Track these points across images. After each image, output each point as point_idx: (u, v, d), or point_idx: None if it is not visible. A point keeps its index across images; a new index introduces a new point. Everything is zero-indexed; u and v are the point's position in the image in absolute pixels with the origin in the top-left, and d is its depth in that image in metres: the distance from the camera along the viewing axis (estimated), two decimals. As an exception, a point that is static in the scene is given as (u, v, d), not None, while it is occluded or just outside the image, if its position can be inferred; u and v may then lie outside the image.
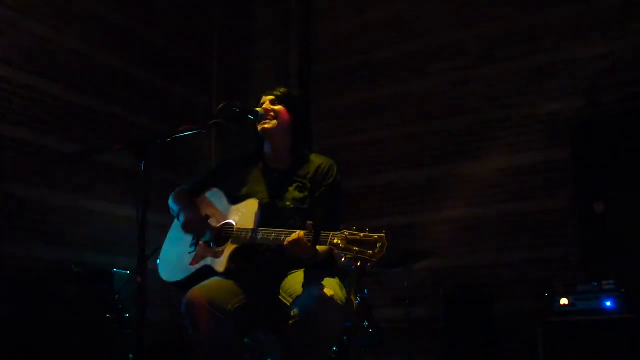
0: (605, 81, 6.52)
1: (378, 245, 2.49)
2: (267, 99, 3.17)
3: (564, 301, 5.30)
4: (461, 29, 7.34)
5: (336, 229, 2.63)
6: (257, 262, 2.96)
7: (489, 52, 7.15)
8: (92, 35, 6.48)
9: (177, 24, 7.59)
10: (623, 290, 5.16)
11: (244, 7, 8.43)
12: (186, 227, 3.06)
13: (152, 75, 7.10)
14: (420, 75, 7.50)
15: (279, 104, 3.15)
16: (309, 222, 2.65)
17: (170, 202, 3.23)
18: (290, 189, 3.06)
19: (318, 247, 2.69)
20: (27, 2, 5.90)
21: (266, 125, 3.11)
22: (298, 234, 2.68)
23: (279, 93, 3.20)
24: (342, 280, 2.93)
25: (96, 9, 6.56)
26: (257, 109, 3.11)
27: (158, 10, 7.34)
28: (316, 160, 3.19)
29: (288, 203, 3.02)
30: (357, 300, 5.30)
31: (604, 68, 6.55)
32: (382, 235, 2.51)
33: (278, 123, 3.12)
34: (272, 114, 3.12)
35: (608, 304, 5.15)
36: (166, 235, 3.28)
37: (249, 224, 2.89)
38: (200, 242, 3.05)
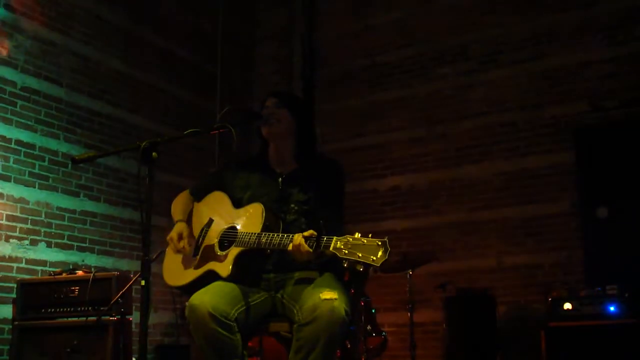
0: (609, 86, 6.51)
1: (381, 250, 2.49)
2: (271, 102, 3.17)
3: (567, 306, 5.29)
4: (465, 33, 7.34)
5: (339, 232, 2.63)
6: (261, 266, 2.95)
7: (492, 57, 7.15)
8: (97, 38, 6.48)
9: (181, 27, 7.59)
10: (627, 295, 5.14)
11: (248, 10, 8.45)
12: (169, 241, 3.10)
13: (156, 79, 7.11)
14: (423, 79, 7.50)
15: (283, 107, 3.14)
16: (310, 231, 2.66)
17: (172, 208, 3.24)
18: (294, 192, 3.06)
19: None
20: (32, 6, 5.90)
21: (270, 128, 3.11)
22: (299, 240, 2.67)
23: (282, 96, 3.20)
24: (346, 283, 2.94)
25: (101, 12, 6.56)
26: (263, 112, 3.11)
27: (162, 14, 7.35)
28: (321, 162, 3.19)
29: (292, 206, 3.02)
30: (361, 304, 5.30)
31: (608, 73, 6.54)
32: (385, 240, 2.51)
33: (282, 126, 3.12)
34: (275, 116, 3.11)
35: (612, 308, 5.14)
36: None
37: (253, 228, 2.89)
38: (204, 246, 3.05)
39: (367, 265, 2.51)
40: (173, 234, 3.10)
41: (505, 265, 6.68)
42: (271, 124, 3.11)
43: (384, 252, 2.49)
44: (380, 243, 2.51)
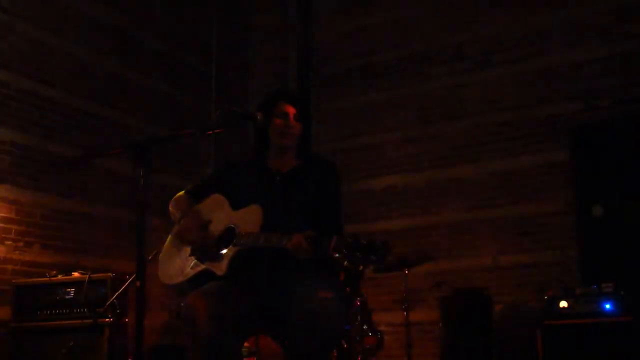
0: (603, 85, 6.53)
1: (381, 251, 2.49)
2: (291, 112, 3.13)
3: (563, 304, 5.29)
4: (460, 33, 7.36)
5: (339, 231, 2.63)
6: (258, 266, 2.95)
7: (487, 56, 7.17)
8: (91, 39, 6.47)
9: (176, 28, 7.59)
10: (622, 292, 5.15)
11: (243, 11, 8.44)
12: (182, 236, 3.04)
13: (150, 80, 7.10)
14: (418, 78, 7.51)
15: (300, 120, 3.14)
16: (309, 231, 2.65)
17: (171, 207, 3.21)
18: (292, 192, 3.06)
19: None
20: (25, 7, 5.89)
21: (289, 142, 3.11)
22: (298, 238, 2.68)
23: (300, 108, 3.17)
24: (342, 283, 2.94)
25: (94, 13, 6.55)
26: (282, 124, 3.08)
27: (157, 15, 7.34)
28: (317, 162, 3.20)
29: (290, 206, 3.02)
30: (357, 303, 5.30)
31: (602, 71, 6.56)
32: (386, 241, 2.51)
33: (296, 138, 3.13)
34: (294, 131, 3.11)
35: (607, 306, 5.14)
36: (165, 239, 3.27)
37: (252, 228, 2.88)
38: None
39: (366, 266, 2.51)
40: (187, 225, 3.04)
41: (501, 264, 6.69)
42: (292, 140, 3.11)
43: (384, 253, 2.49)
44: (380, 244, 2.51)
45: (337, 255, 2.55)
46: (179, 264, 3.07)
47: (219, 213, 3.10)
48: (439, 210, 7.12)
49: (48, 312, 4.79)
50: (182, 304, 2.83)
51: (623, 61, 6.49)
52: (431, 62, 7.47)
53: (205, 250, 2.98)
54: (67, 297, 4.79)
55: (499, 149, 6.95)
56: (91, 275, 4.82)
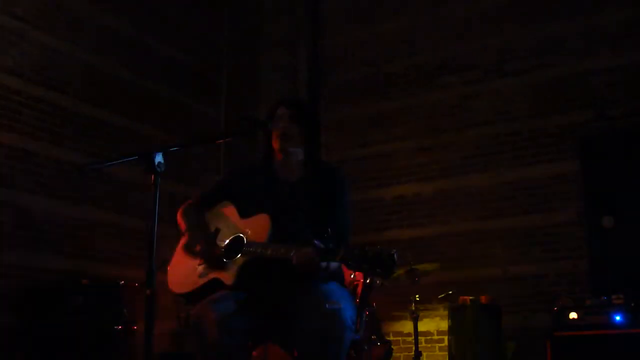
0: (614, 95, 6.51)
1: (388, 263, 2.48)
2: (282, 112, 3.15)
3: (573, 315, 5.27)
4: (470, 43, 7.35)
5: (347, 242, 2.62)
6: (266, 275, 2.95)
7: (498, 66, 7.15)
8: (102, 47, 6.52)
9: (187, 35, 7.62)
10: (633, 304, 5.12)
11: (253, 19, 8.46)
12: (189, 249, 3.05)
13: (161, 87, 7.13)
14: (429, 88, 7.50)
15: (294, 121, 3.13)
16: (316, 242, 2.65)
17: (178, 218, 3.21)
18: (300, 201, 3.05)
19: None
20: (38, 14, 5.94)
21: (283, 145, 3.10)
22: (306, 250, 2.66)
23: (294, 107, 3.17)
24: (351, 294, 2.93)
25: (106, 20, 6.60)
26: (276, 126, 3.09)
27: (168, 22, 7.38)
28: (325, 170, 3.19)
29: (299, 215, 3.01)
30: (365, 313, 5.28)
31: (613, 81, 6.54)
32: (393, 253, 2.49)
33: (294, 141, 3.12)
34: (289, 132, 3.10)
35: (617, 318, 5.11)
36: (175, 247, 3.27)
37: (260, 237, 2.88)
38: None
39: (374, 278, 2.49)
40: (193, 238, 3.06)
41: (511, 275, 6.66)
42: (285, 140, 3.10)
43: (392, 264, 2.48)
44: (388, 255, 2.49)
45: (343, 266, 2.55)
46: (188, 273, 3.07)
47: (227, 221, 3.10)
48: (448, 219, 7.10)
49: (57, 319, 4.80)
50: (190, 313, 2.82)
51: (633, 71, 6.47)
52: (441, 71, 7.47)
53: (213, 262, 2.98)
54: (76, 304, 4.80)
55: (508, 158, 6.93)
56: (101, 283, 4.83)
